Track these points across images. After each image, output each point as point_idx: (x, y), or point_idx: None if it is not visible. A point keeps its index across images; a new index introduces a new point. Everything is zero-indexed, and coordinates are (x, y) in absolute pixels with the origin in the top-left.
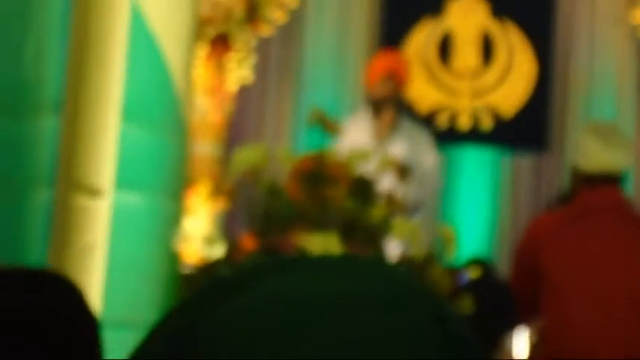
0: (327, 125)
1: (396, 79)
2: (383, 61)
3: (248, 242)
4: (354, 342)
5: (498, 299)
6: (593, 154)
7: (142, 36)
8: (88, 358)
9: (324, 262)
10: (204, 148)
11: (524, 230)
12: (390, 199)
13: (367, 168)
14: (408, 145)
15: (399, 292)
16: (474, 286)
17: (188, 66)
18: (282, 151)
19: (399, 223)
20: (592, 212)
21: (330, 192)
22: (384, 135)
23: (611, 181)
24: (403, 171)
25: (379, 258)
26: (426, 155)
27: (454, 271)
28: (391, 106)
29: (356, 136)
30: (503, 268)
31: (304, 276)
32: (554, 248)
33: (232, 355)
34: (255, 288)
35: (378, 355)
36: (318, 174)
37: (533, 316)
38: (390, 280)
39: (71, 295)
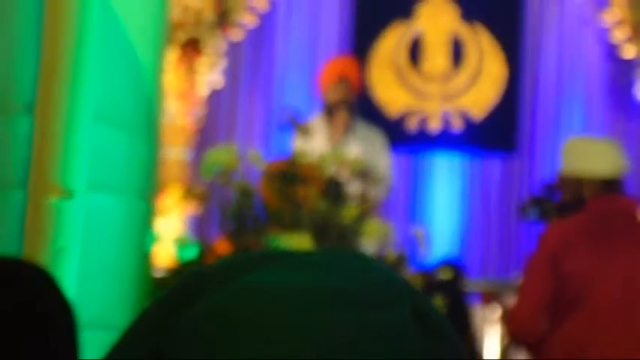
0: (299, 127)
1: (348, 83)
2: (334, 66)
3: (221, 245)
4: (332, 337)
5: (451, 300)
6: (608, 159)
7: (114, 37)
8: (65, 347)
9: (302, 256)
10: (175, 151)
11: (541, 243)
12: (362, 200)
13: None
14: (363, 147)
15: (377, 286)
16: (444, 287)
17: (159, 68)
18: (252, 153)
19: (370, 223)
20: (612, 219)
21: (302, 193)
22: (337, 138)
23: (620, 186)
24: (365, 173)
25: (357, 251)
26: (380, 157)
27: (426, 273)
28: (344, 109)
29: (311, 140)
30: (474, 268)
31: (281, 270)
32: (578, 259)
33: (210, 352)
34: (232, 283)
35: (357, 350)
36: (290, 175)
37: (539, 330)
38: (369, 273)
39: (47, 285)
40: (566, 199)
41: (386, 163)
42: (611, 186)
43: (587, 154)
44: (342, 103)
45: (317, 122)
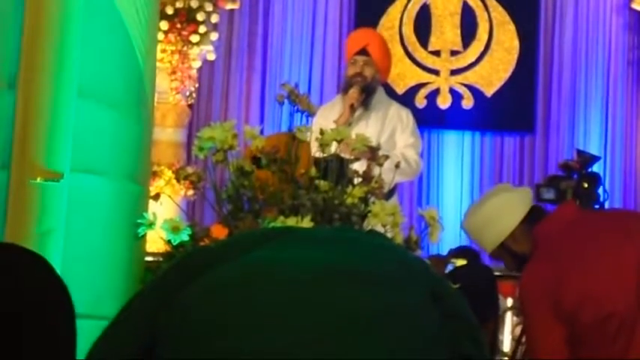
0: (298, 100)
1: (369, 59)
2: (353, 38)
3: (216, 228)
4: (346, 317)
5: (481, 288)
6: (508, 206)
7: (100, 8)
8: (63, 330)
9: (316, 233)
10: (167, 131)
11: (531, 294)
12: (366, 179)
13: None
14: (379, 127)
15: (395, 266)
16: (458, 274)
17: (150, 41)
18: (249, 130)
19: (377, 205)
20: (570, 233)
21: (300, 171)
22: (345, 117)
23: (541, 211)
24: (373, 151)
25: (375, 232)
26: (400, 136)
27: (440, 259)
28: (357, 86)
29: (323, 120)
30: (485, 256)
31: (294, 247)
32: (575, 287)
33: (206, 326)
34: (240, 258)
35: (373, 330)
36: (285, 152)
37: None
38: (386, 253)
39: (43, 269)
40: (513, 266)
41: (407, 143)
42: (533, 216)
43: (492, 218)
44: (355, 80)
45: (335, 101)
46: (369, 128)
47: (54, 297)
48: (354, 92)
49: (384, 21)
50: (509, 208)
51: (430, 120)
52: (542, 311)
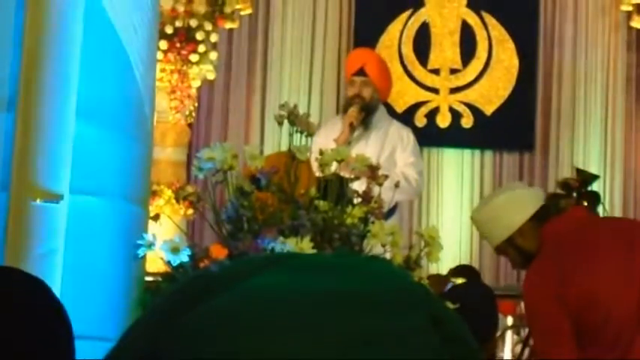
0: (297, 120)
1: (367, 79)
2: (351, 59)
3: (216, 248)
4: (346, 341)
5: (481, 307)
6: (518, 201)
7: (99, 28)
8: (61, 351)
9: (316, 259)
10: (166, 150)
11: (538, 295)
12: (366, 199)
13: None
14: (379, 146)
15: (395, 292)
16: (457, 293)
17: (149, 61)
18: (249, 150)
19: (376, 224)
20: (578, 238)
21: (300, 191)
22: (345, 136)
23: (550, 210)
24: (373, 171)
25: (374, 256)
26: (400, 155)
27: (439, 278)
28: (356, 106)
29: (323, 140)
30: (486, 269)
31: (290, 273)
32: (580, 285)
33: (206, 352)
34: (241, 285)
35: (373, 355)
36: (284, 172)
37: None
38: (386, 278)
39: (41, 290)
40: (518, 262)
41: (407, 162)
42: (542, 216)
43: (502, 211)
44: (354, 100)
45: (335, 121)
46: (369, 147)
47: (53, 320)
48: (353, 111)
49: (384, 39)
50: (519, 204)
51: (430, 138)
52: (547, 307)
